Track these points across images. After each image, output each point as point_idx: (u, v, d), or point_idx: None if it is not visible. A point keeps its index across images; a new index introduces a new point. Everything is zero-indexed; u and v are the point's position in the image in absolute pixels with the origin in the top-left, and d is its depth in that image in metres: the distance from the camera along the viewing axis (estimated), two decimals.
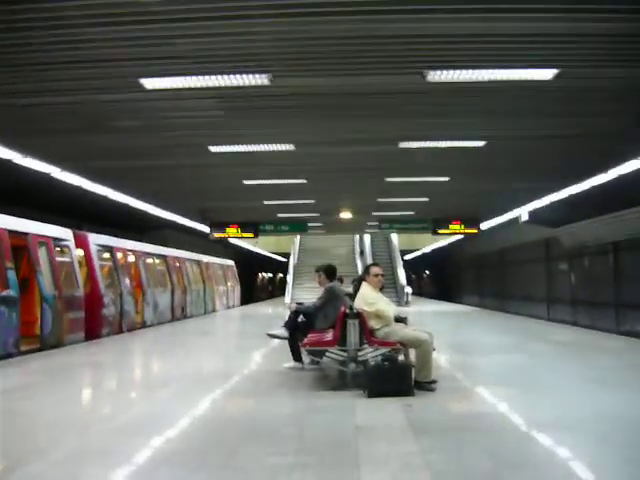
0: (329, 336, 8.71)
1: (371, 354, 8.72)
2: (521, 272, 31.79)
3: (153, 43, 7.13)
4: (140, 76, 8.04)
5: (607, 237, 21.61)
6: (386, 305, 8.62)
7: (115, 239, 19.41)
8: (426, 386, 7.87)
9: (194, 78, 8.09)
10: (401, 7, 6.41)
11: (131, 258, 21.24)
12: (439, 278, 54.68)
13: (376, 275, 8.73)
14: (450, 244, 39.07)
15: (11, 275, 12.32)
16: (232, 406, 7.51)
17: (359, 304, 8.42)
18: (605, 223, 20.71)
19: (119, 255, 19.23)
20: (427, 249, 44.30)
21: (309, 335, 9.18)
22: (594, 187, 15.97)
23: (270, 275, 68.90)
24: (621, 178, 14.53)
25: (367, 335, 8.26)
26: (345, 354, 8.44)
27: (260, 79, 8.15)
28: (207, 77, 8.07)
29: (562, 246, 25.40)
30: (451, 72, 8.05)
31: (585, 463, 4.95)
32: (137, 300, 20.40)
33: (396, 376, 7.64)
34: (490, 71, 8.06)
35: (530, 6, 6.36)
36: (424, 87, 8.66)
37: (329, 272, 10.04)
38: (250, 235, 25.28)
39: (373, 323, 8.28)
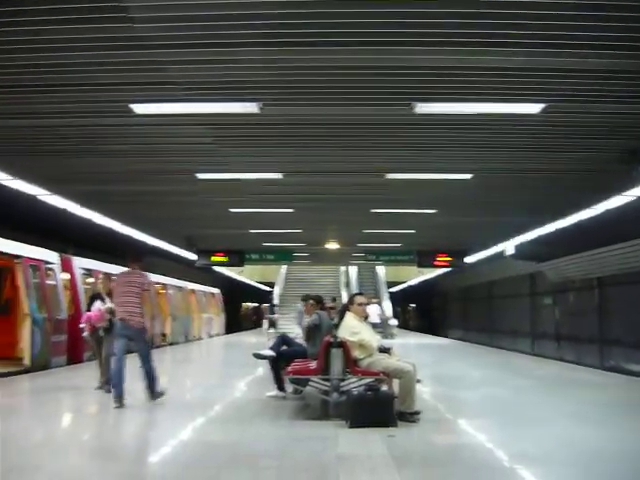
0: (313, 365, 8.68)
1: (354, 384, 8.68)
2: (506, 306, 31.83)
3: (144, 69, 7.14)
4: (130, 101, 8.04)
5: (592, 272, 21.71)
6: (370, 335, 8.62)
7: (100, 263, 19.32)
8: (409, 417, 7.84)
9: (184, 105, 8.10)
10: (391, 39, 6.48)
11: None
12: (425, 311, 54.65)
13: (360, 304, 8.75)
14: (436, 277, 39.10)
15: None
16: (213, 433, 7.42)
17: (343, 334, 8.41)
18: (590, 258, 20.81)
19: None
20: (413, 282, 44.30)
21: (293, 364, 9.15)
22: (580, 222, 16.08)
23: (255, 304, 68.50)
24: (607, 213, 14.65)
25: (350, 365, 8.24)
26: (328, 383, 8.41)
27: (250, 107, 8.18)
28: (197, 104, 8.09)
29: (547, 281, 25.48)
30: (439, 105, 8.13)
31: None
32: None
33: (379, 406, 7.60)
34: (478, 104, 8.14)
35: (518, 41, 6.45)
36: (412, 119, 8.72)
37: (318, 300, 10.25)
38: (236, 263, 25.19)
39: (357, 353, 8.27)
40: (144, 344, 9.03)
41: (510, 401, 10.20)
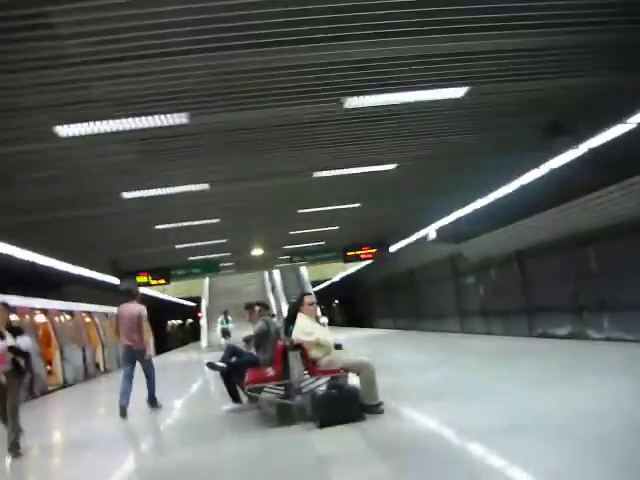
0: (270, 371, 8.56)
1: (314, 384, 8.64)
2: (431, 290, 32.41)
3: (66, 88, 6.90)
4: (53, 124, 7.75)
5: (510, 247, 22.37)
6: (324, 333, 8.59)
7: (19, 298, 18.54)
8: (374, 409, 7.85)
9: (110, 122, 7.88)
10: (314, 36, 6.50)
11: (40, 317, 20.35)
12: (350, 305, 55.07)
13: (311, 304, 8.70)
14: (359, 270, 39.38)
15: None
16: (184, 455, 7.14)
17: (297, 335, 8.34)
18: (507, 234, 21.39)
19: (26, 316, 18.39)
20: (336, 278, 44.55)
21: (248, 373, 8.98)
22: (496, 200, 16.51)
23: (180, 322, 67.42)
24: (521, 189, 15.09)
25: (309, 365, 8.19)
26: (286, 388, 8.34)
27: (179, 118, 8.03)
28: (124, 120, 7.88)
29: (467, 260, 26.10)
30: (367, 98, 8.19)
31: (548, 464, 5.00)
32: (51, 360, 19.56)
33: (346, 402, 7.58)
34: (405, 93, 8.26)
35: (442, 27, 6.59)
36: (339, 115, 8.78)
37: (264, 306, 10.10)
38: (161, 281, 24.54)
39: (314, 353, 8.22)
40: (149, 364, 10.59)
41: (462, 379, 10.38)
